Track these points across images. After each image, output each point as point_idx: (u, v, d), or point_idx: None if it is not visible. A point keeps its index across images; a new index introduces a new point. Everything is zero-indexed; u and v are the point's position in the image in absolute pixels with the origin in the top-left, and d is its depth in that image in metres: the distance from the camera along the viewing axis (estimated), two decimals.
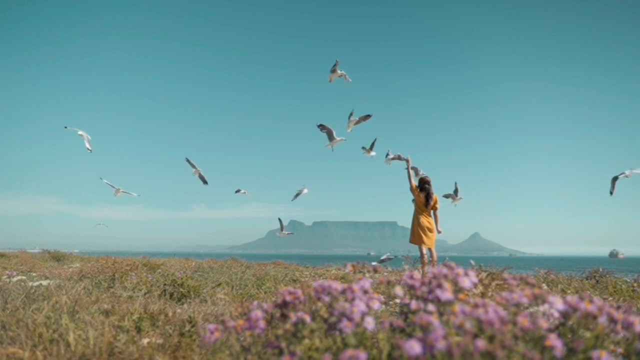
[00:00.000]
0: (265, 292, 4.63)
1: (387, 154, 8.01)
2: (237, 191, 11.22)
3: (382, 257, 11.22)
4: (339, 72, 7.82)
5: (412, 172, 7.23)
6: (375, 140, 8.35)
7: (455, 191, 8.12)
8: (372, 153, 8.28)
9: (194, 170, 10.00)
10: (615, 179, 7.84)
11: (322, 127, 7.97)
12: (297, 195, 10.11)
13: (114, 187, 10.15)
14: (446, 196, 8.09)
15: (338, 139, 7.92)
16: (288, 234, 11.51)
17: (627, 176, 7.82)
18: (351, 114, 8.10)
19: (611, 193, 7.93)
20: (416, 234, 6.51)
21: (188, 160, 10.06)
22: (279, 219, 11.18)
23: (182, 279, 4.07)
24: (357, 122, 8.13)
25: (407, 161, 6.81)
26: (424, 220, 6.51)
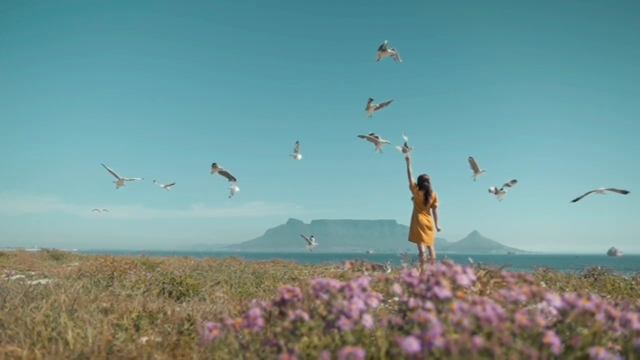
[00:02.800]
0: (264, 291, 4.64)
1: (405, 144, 7.69)
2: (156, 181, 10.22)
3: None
4: (389, 50, 7.38)
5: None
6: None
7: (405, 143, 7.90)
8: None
9: (212, 169, 9.50)
10: (588, 193, 8.04)
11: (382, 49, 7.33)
12: (232, 192, 9.90)
13: (117, 176, 9.39)
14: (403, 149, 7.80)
15: (390, 50, 7.36)
16: (315, 245, 11.29)
17: (602, 192, 8.02)
18: (370, 100, 7.94)
19: (575, 200, 8.14)
20: (415, 232, 6.51)
21: (215, 166, 9.35)
22: (310, 237, 11.06)
23: (181, 277, 4.07)
24: (377, 108, 7.97)
25: (407, 159, 6.79)
26: (423, 218, 6.51)
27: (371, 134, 7.96)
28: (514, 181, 8.54)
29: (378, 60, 7.56)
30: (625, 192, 7.79)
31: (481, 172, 8.32)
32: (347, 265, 1.57)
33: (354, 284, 1.28)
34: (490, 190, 8.52)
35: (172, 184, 10.68)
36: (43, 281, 4.52)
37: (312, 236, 11.27)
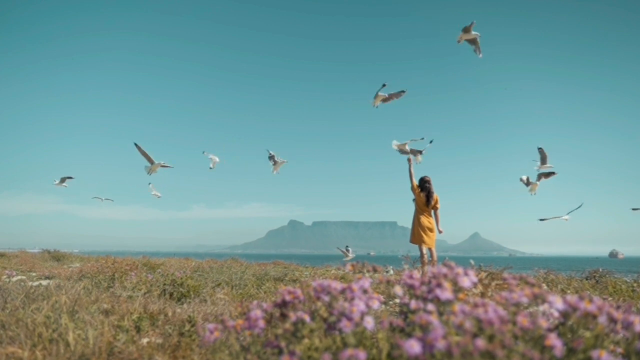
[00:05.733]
0: (265, 292, 4.63)
1: (421, 152, 7.75)
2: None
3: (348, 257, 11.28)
4: (473, 33, 7.05)
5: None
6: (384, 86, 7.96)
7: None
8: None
9: (274, 165, 9.56)
10: (551, 218, 8.18)
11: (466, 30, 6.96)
12: (151, 192, 9.94)
13: (152, 160, 9.08)
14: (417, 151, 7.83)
15: (474, 32, 7.05)
16: (352, 256, 11.49)
17: (566, 220, 8.10)
18: (383, 86, 7.86)
19: (542, 220, 8.23)
20: (416, 234, 6.50)
21: (269, 152, 9.59)
22: (345, 248, 11.22)
23: (181, 278, 4.07)
24: (387, 100, 7.83)
25: (409, 160, 6.78)
26: (425, 220, 6.50)
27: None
28: (550, 174, 8.09)
29: (459, 42, 7.30)
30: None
31: (547, 166, 8.10)
32: (348, 267, 1.57)
33: (355, 286, 1.27)
34: (521, 180, 8.30)
35: (70, 178, 10.45)
36: (44, 282, 4.52)
37: (347, 247, 11.42)
